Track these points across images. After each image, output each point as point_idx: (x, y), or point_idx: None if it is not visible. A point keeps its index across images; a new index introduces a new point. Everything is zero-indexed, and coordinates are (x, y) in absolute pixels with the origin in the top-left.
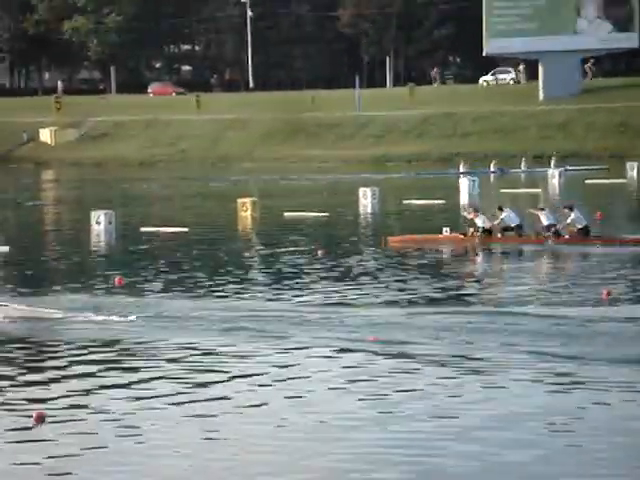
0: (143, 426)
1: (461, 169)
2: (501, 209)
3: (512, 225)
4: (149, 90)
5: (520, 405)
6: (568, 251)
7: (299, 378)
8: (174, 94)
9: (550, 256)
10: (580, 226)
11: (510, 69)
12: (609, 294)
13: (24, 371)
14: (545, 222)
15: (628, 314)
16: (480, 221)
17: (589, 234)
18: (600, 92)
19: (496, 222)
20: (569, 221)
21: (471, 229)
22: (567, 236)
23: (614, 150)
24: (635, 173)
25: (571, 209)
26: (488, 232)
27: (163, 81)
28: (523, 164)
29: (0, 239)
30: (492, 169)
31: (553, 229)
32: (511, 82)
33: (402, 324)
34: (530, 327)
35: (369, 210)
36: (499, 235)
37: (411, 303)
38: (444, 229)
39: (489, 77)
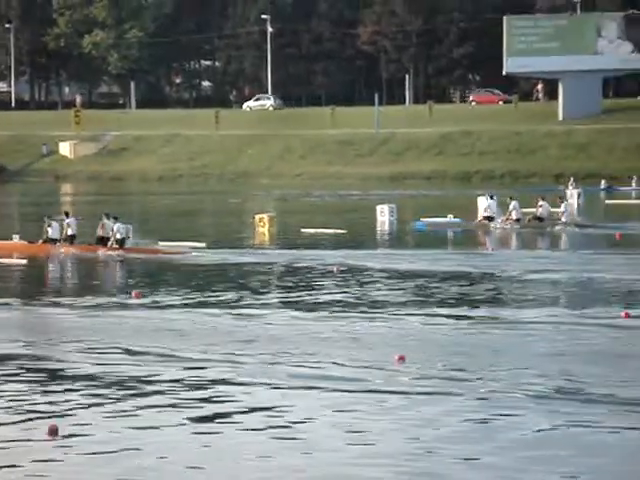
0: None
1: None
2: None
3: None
4: (470, 98)
5: None
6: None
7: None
8: (500, 102)
9: None
10: None
11: (270, 96)
12: None
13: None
14: None
15: None
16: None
17: None
18: (620, 112)
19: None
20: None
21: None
22: None
23: (633, 171)
24: None
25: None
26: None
27: (488, 89)
28: (634, 182)
29: None
30: (602, 186)
31: None
32: (270, 108)
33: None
34: None
35: (386, 227)
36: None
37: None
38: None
39: (252, 103)
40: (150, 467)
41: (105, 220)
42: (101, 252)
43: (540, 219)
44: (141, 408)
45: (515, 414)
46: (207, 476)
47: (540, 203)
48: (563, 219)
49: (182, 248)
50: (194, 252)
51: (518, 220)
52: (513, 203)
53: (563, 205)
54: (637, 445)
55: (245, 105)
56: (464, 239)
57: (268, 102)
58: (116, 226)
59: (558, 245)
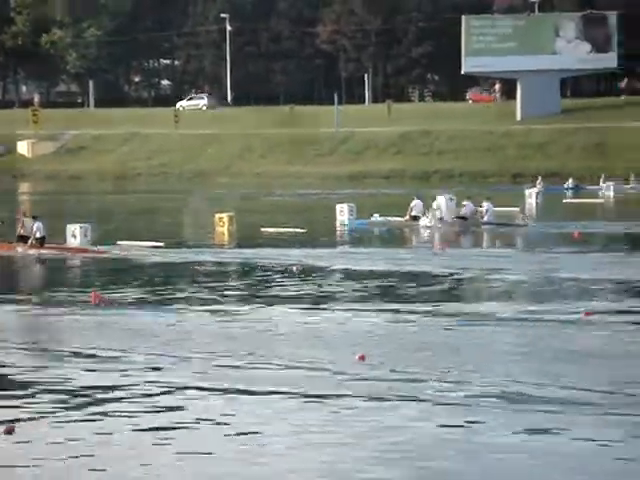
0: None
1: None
2: None
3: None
4: (467, 97)
5: None
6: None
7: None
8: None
9: None
10: None
11: (204, 95)
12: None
13: None
14: None
15: None
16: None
17: None
18: (578, 112)
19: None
20: None
21: None
22: None
23: (593, 170)
24: (612, 193)
25: None
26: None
27: (482, 87)
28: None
29: None
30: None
31: None
32: (204, 107)
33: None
34: None
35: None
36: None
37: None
38: None
39: (185, 102)
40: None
41: (24, 218)
42: (20, 250)
43: (464, 218)
44: (81, 415)
45: (476, 420)
46: None
47: (464, 202)
48: (485, 218)
49: (119, 248)
50: (130, 251)
51: (441, 219)
52: (438, 201)
53: (486, 204)
54: (592, 448)
55: (178, 105)
56: (414, 237)
57: (201, 102)
58: (36, 225)
59: (514, 244)
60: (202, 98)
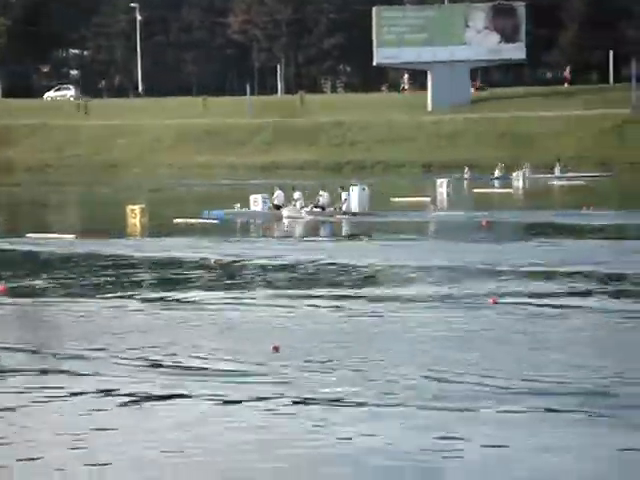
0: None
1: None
2: None
3: None
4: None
5: None
6: None
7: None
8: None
9: None
10: None
11: (70, 86)
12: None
13: None
14: None
15: None
16: None
17: None
18: (488, 102)
19: None
20: None
21: None
22: None
23: (502, 160)
24: (520, 183)
25: None
26: None
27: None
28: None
29: None
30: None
31: None
32: (71, 99)
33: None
34: None
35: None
36: None
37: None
38: None
39: (52, 93)
40: None
41: None
42: None
43: (322, 208)
44: None
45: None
46: None
47: (321, 193)
48: (343, 208)
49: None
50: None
51: (302, 208)
52: (298, 193)
53: (344, 195)
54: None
55: (46, 95)
56: (334, 228)
57: (68, 93)
58: None
59: (423, 232)
60: (69, 89)
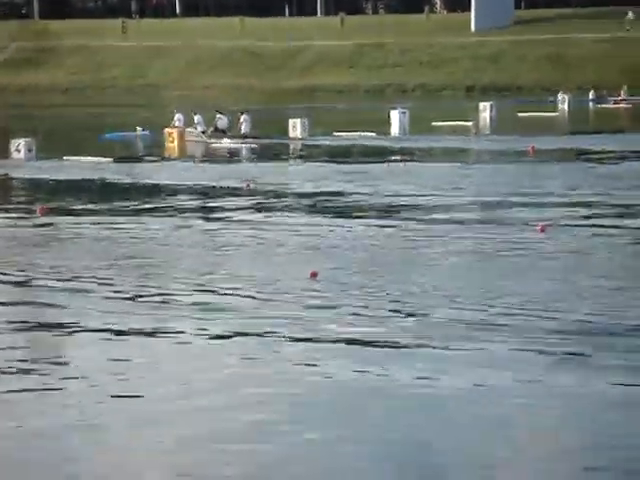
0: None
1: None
2: None
3: None
4: None
5: None
6: None
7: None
8: None
9: None
10: None
11: None
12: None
13: None
14: None
15: None
16: None
17: None
18: (532, 24)
19: None
20: None
21: None
22: None
23: (546, 83)
24: (566, 106)
25: None
26: None
27: None
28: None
29: None
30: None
31: None
32: None
33: None
34: None
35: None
36: None
37: None
38: None
39: None
40: None
41: None
42: None
43: (223, 131)
44: None
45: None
46: None
47: (219, 116)
48: (242, 130)
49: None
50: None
51: (204, 132)
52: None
53: (242, 117)
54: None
55: None
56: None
57: None
58: None
59: (465, 158)
60: None
